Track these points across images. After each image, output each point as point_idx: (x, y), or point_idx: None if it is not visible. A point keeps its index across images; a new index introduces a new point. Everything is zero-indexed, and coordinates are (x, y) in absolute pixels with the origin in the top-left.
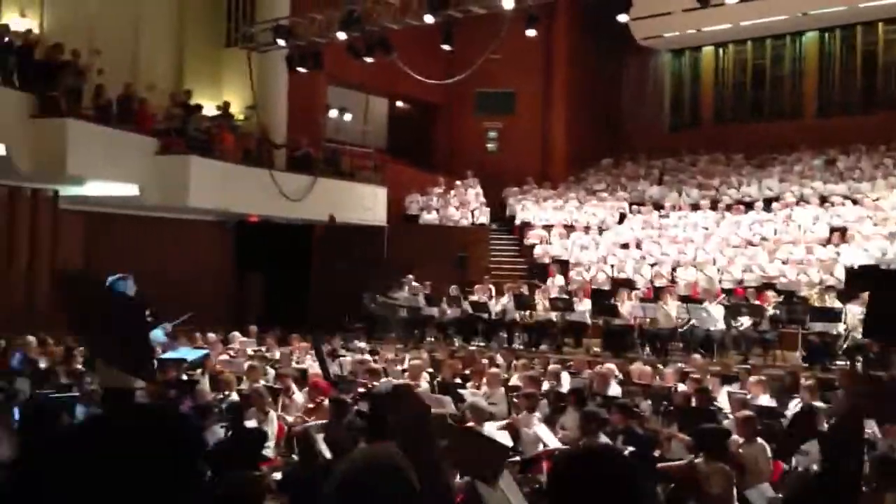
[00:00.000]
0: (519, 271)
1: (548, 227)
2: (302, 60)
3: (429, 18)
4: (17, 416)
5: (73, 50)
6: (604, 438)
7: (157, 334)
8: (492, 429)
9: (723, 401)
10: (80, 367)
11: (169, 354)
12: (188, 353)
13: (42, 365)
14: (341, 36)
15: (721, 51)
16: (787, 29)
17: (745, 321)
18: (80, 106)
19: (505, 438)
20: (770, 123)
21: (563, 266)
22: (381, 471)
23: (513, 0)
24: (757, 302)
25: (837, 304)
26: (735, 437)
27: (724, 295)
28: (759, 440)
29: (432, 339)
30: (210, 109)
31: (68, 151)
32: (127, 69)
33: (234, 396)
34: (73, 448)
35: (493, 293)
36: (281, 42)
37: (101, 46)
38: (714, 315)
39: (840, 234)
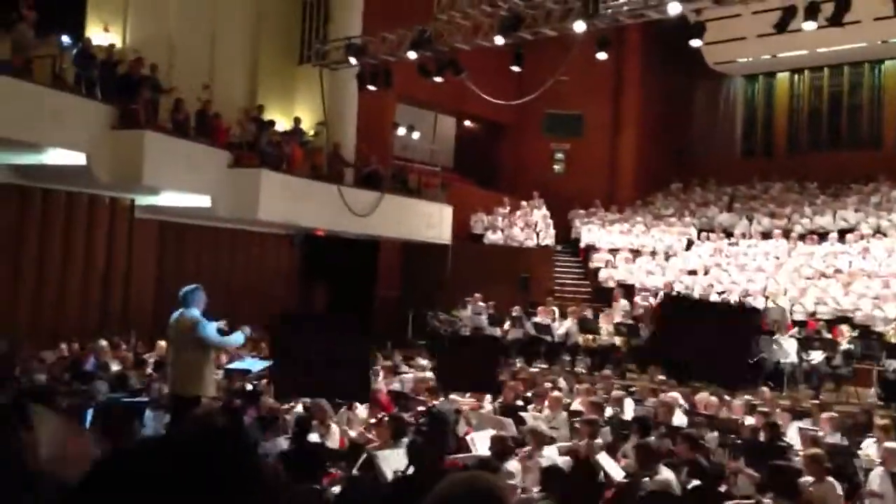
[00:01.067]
0: (583, 294)
1: (613, 251)
2: (372, 78)
3: (499, 40)
4: (89, 418)
5: (153, 64)
6: (666, 470)
7: (238, 337)
8: (553, 454)
9: (792, 436)
10: (150, 371)
11: (235, 364)
12: (253, 364)
13: (115, 368)
14: (412, 55)
15: (796, 77)
16: (866, 57)
17: (817, 355)
18: (158, 118)
19: (567, 465)
20: (847, 153)
21: (628, 291)
22: (482, 498)
23: (584, 23)
24: (830, 336)
25: None
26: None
27: (795, 327)
28: (830, 479)
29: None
30: (282, 125)
31: (145, 162)
32: (203, 83)
33: (299, 408)
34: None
35: (557, 315)
36: (352, 60)
37: (178, 61)
38: (786, 347)
39: None
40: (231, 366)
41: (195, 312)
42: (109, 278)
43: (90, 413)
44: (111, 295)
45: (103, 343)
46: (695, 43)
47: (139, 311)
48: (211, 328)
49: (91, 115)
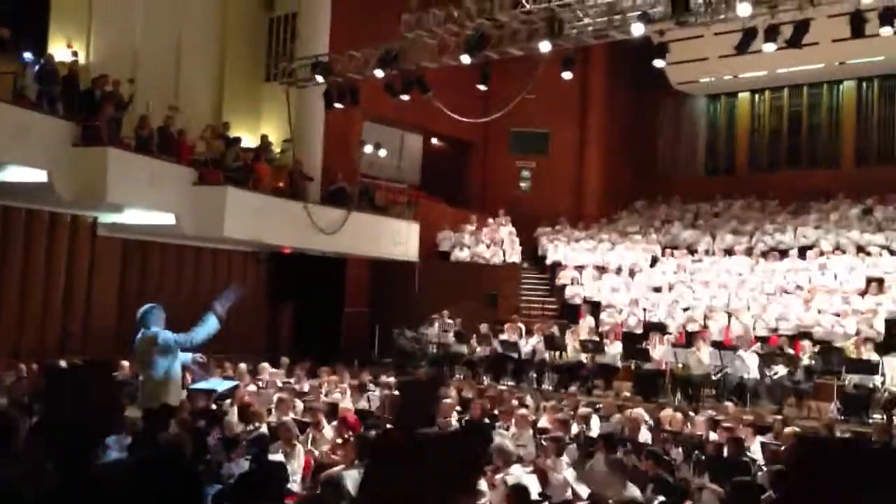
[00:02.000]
0: (549, 311)
1: (579, 268)
2: (339, 96)
3: (466, 59)
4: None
5: (115, 80)
6: (632, 487)
7: (212, 323)
8: (520, 472)
9: (756, 451)
10: None
11: (199, 385)
12: (218, 384)
13: None
14: (378, 73)
15: (757, 97)
16: (825, 77)
17: (779, 370)
18: (122, 135)
19: (533, 482)
20: (806, 171)
21: (595, 307)
22: None
23: (549, 43)
24: (792, 351)
25: (874, 356)
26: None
27: (758, 343)
28: None
29: (461, 377)
30: (248, 142)
31: (108, 179)
32: (168, 100)
33: (264, 429)
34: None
35: (524, 332)
36: (319, 78)
37: (143, 78)
38: (748, 363)
39: (877, 284)
40: (195, 386)
41: (154, 330)
42: (70, 297)
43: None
44: (72, 314)
45: (63, 364)
46: (658, 63)
47: (101, 330)
48: (168, 333)
49: (53, 131)
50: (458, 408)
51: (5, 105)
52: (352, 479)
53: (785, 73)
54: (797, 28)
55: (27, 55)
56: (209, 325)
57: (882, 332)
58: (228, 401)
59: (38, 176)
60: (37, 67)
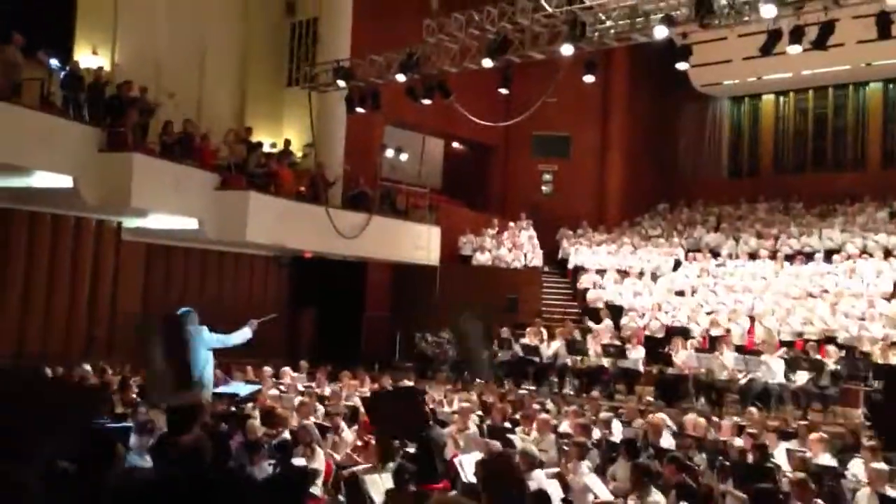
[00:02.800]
0: (571, 315)
1: (601, 272)
2: (361, 101)
3: (487, 63)
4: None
5: (141, 87)
6: (656, 493)
7: (245, 332)
8: (541, 477)
9: (780, 457)
10: (135, 396)
11: (222, 388)
12: (240, 388)
13: None
14: (400, 78)
15: (782, 99)
16: (850, 79)
17: (804, 375)
18: (146, 141)
19: (555, 488)
20: (832, 174)
21: (617, 311)
22: None
23: (571, 47)
24: (818, 356)
25: None
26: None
27: (783, 348)
28: (819, 501)
29: (482, 381)
30: (270, 147)
31: (133, 185)
32: (192, 106)
33: (287, 433)
34: None
35: (545, 337)
36: (341, 83)
37: (167, 83)
38: (773, 368)
39: None
40: (218, 389)
41: (189, 328)
42: (95, 302)
43: None
44: (97, 319)
45: (87, 368)
46: (681, 66)
47: (125, 334)
48: (206, 333)
49: (79, 137)
50: (478, 412)
51: (32, 111)
52: (372, 483)
53: (810, 75)
54: (822, 29)
55: (53, 62)
56: (243, 334)
57: None
58: (251, 404)
59: (64, 181)
60: (63, 74)
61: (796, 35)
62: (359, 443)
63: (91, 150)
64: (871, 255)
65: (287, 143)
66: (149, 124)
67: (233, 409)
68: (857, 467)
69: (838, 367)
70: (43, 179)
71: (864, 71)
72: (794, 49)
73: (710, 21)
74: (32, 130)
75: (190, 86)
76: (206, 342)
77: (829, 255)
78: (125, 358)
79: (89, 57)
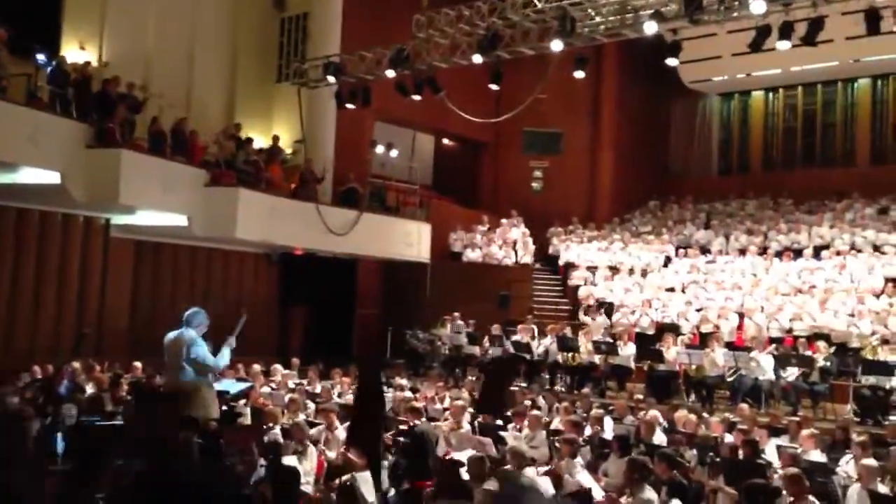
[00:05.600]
0: (562, 311)
1: (592, 269)
2: (351, 97)
3: (477, 58)
4: (59, 442)
5: (129, 82)
6: (648, 490)
7: (225, 357)
8: (533, 474)
9: (771, 453)
10: (125, 394)
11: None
12: (231, 386)
13: (89, 390)
14: (390, 74)
15: (771, 95)
16: (839, 75)
17: (794, 371)
18: (134, 137)
19: (547, 485)
20: (821, 170)
21: (608, 308)
22: None
23: (561, 42)
24: (807, 352)
25: (891, 357)
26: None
27: (772, 344)
28: (811, 497)
29: (473, 378)
30: (259, 143)
31: (121, 181)
32: (180, 102)
33: (277, 430)
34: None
35: (536, 333)
36: (331, 79)
37: (156, 79)
38: (763, 364)
39: (893, 284)
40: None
41: (192, 334)
42: (84, 298)
43: (59, 437)
44: (86, 315)
45: (76, 365)
46: (671, 62)
47: (114, 331)
48: (203, 349)
49: (66, 133)
50: (470, 409)
51: (19, 107)
52: (365, 481)
53: (799, 71)
54: (811, 25)
55: (40, 57)
56: (226, 356)
57: None
58: (242, 402)
59: (52, 177)
60: (49, 69)
61: (785, 31)
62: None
63: (79, 146)
64: (859, 252)
65: (276, 139)
66: (136, 120)
67: (223, 406)
68: (847, 464)
69: (828, 364)
70: (30, 175)
71: (853, 67)
72: (784, 45)
73: (700, 17)
74: (19, 126)
75: (179, 81)
76: (194, 354)
77: (817, 251)
78: (113, 355)
79: (77, 52)
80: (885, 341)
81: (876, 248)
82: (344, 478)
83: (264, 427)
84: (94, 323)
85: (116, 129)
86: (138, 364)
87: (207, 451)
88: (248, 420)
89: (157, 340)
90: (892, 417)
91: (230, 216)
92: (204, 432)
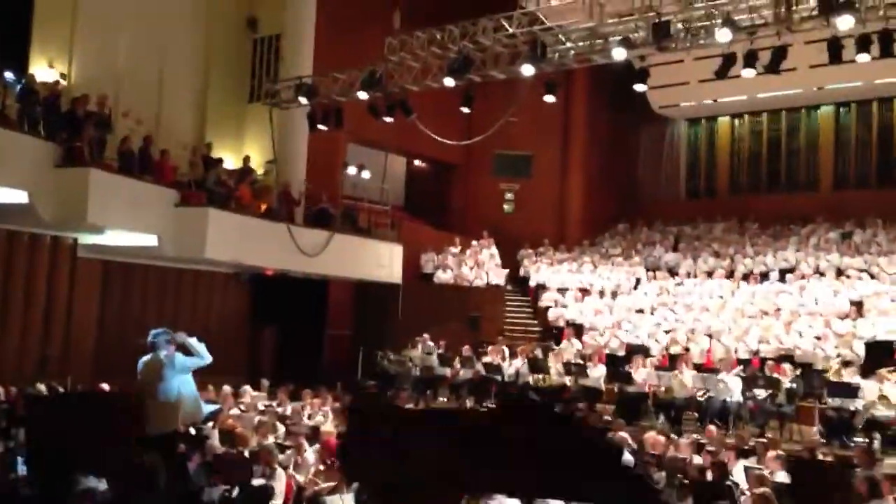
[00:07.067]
0: (533, 333)
1: (562, 290)
2: (323, 118)
3: (449, 81)
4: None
5: (99, 101)
6: None
7: (195, 344)
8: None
9: (738, 475)
10: None
11: None
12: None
13: None
14: (362, 95)
15: (737, 121)
16: (803, 102)
17: (761, 393)
18: (104, 156)
19: None
20: (786, 194)
21: (578, 330)
22: None
23: (532, 67)
24: (774, 374)
25: (855, 379)
26: None
27: (740, 366)
28: None
29: (444, 400)
30: (231, 163)
31: (89, 201)
32: (151, 121)
33: (247, 453)
34: None
35: (507, 355)
36: (303, 99)
37: (126, 98)
38: (731, 386)
39: (856, 307)
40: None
41: (164, 352)
42: (50, 319)
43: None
44: (52, 336)
45: (41, 387)
46: (639, 87)
47: (80, 353)
48: (182, 357)
49: (34, 152)
50: None
51: None
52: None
53: (764, 98)
54: (775, 54)
55: (8, 75)
56: (199, 347)
57: (862, 355)
58: (210, 424)
59: (19, 197)
60: (18, 87)
61: (750, 59)
62: (320, 465)
63: (47, 166)
64: (823, 275)
65: (247, 159)
66: (106, 139)
67: (191, 429)
68: None
69: (794, 385)
70: None
71: (816, 94)
72: (749, 73)
73: (667, 44)
74: None
75: (149, 100)
76: (179, 367)
77: (783, 274)
78: (80, 377)
79: (45, 70)
80: (846, 363)
81: (840, 273)
82: (314, 490)
83: (235, 451)
84: (60, 344)
85: (85, 148)
86: (106, 386)
87: (174, 475)
88: (216, 442)
89: (124, 362)
90: (857, 439)
91: (200, 236)
92: (171, 454)
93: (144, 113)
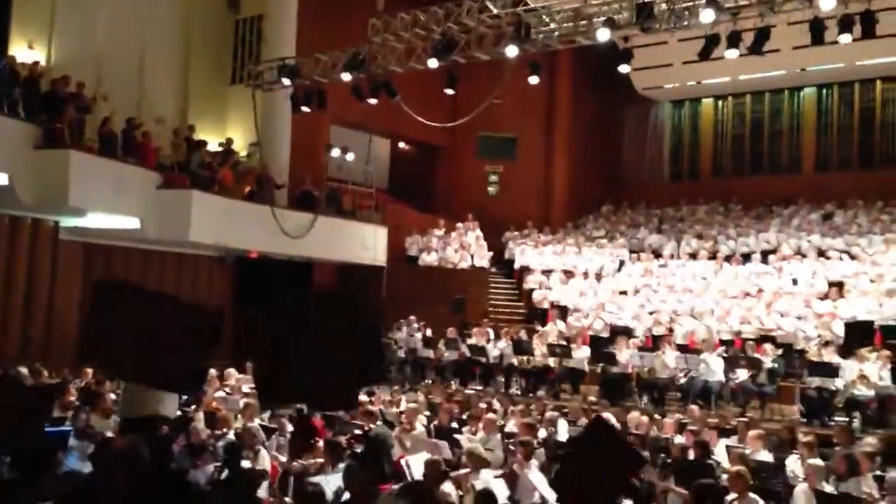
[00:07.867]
0: (517, 315)
1: (547, 272)
2: (306, 99)
3: (433, 63)
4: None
5: (79, 82)
6: None
7: None
8: (488, 476)
9: (720, 454)
10: (73, 399)
11: None
12: None
13: None
14: (346, 77)
15: (720, 103)
16: (786, 84)
17: (742, 373)
18: (84, 138)
19: (501, 487)
20: (768, 176)
21: (562, 311)
22: None
23: (516, 48)
24: (755, 354)
25: (835, 359)
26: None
27: (722, 346)
28: (752, 495)
29: (429, 382)
30: (213, 145)
31: (70, 183)
32: (132, 103)
33: (231, 435)
34: None
35: (492, 337)
36: (286, 81)
37: (107, 80)
38: (713, 366)
39: (837, 288)
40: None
41: None
42: (31, 302)
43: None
44: (33, 320)
45: (23, 370)
46: (623, 68)
47: (62, 336)
48: None
49: (13, 134)
50: (426, 412)
51: None
52: (330, 484)
53: (747, 80)
54: (758, 35)
55: None
56: None
57: (841, 335)
58: (194, 406)
59: None
60: None
61: (733, 40)
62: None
63: (27, 147)
64: (804, 256)
65: (229, 141)
66: (86, 121)
67: (176, 411)
68: (794, 463)
69: (775, 365)
70: None
71: (799, 76)
72: (732, 54)
73: (651, 25)
74: None
75: (130, 82)
76: None
77: (765, 255)
78: (61, 360)
79: (25, 51)
80: (826, 343)
81: (821, 253)
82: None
83: (220, 433)
84: (42, 327)
85: (65, 129)
86: (89, 370)
87: (157, 455)
88: (201, 424)
89: None
90: (837, 418)
91: (184, 219)
92: (154, 436)
93: (125, 95)
